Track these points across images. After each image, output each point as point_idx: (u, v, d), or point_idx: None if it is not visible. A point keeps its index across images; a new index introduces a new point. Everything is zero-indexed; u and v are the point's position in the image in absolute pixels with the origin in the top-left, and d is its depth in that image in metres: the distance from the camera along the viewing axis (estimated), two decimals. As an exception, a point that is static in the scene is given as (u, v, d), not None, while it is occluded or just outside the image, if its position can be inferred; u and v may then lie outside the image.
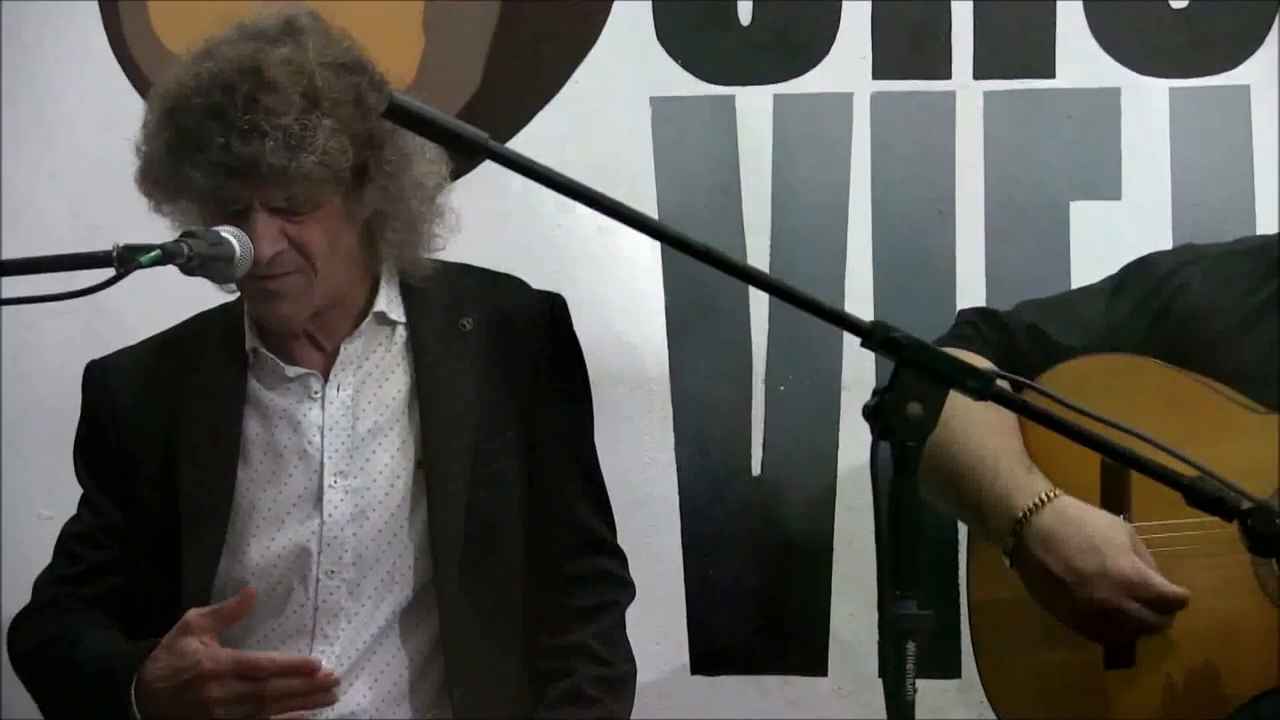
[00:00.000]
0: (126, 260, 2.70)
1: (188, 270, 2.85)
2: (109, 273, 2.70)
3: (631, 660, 3.20)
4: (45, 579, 3.19)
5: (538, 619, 3.15)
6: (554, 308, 3.23)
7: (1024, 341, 3.05)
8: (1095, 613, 2.80)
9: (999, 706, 3.00)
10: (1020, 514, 2.85)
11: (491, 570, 3.11)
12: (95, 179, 3.78)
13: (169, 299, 3.29)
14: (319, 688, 2.88)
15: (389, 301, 3.17)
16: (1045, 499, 2.83)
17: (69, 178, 3.88)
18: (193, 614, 2.90)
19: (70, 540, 3.20)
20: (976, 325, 3.13)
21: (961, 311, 3.22)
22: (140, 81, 3.83)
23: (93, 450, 3.22)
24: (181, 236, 2.86)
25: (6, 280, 2.76)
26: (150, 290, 3.16)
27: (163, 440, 3.14)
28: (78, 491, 3.24)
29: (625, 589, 3.24)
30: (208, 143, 2.95)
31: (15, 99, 3.95)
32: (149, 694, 2.92)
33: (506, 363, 3.16)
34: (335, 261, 3.08)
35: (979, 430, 2.81)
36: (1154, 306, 3.02)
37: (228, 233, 2.90)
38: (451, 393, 3.14)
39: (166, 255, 2.78)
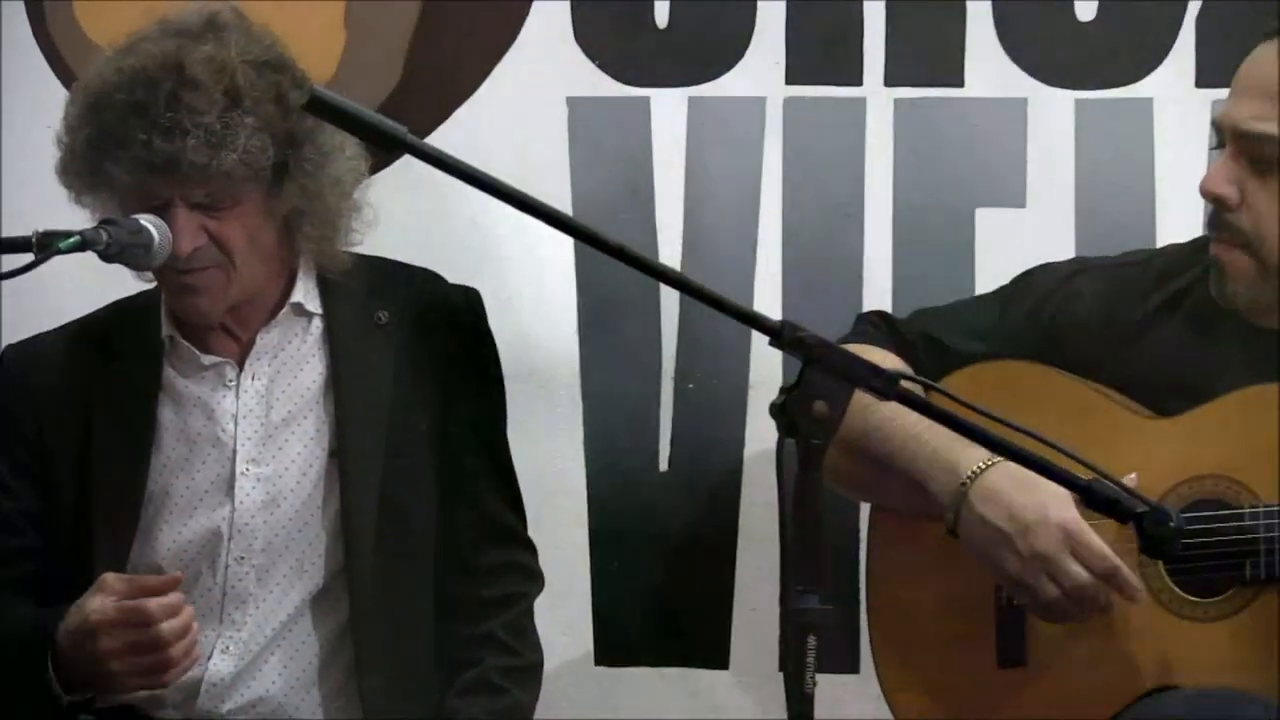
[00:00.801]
0: (45, 245, 2.71)
1: (106, 257, 2.86)
2: (28, 257, 2.69)
3: (539, 650, 3.21)
4: None
5: (448, 608, 3.15)
6: (469, 302, 3.24)
7: (921, 350, 3.06)
8: (1036, 565, 2.78)
9: (896, 704, 3.01)
10: (966, 476, 2.84)
11: (403, 559, 3.11)
12: (18, 167, 3.74)
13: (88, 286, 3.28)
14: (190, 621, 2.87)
15: (306, 293, 3.17)
16: (989, 463, 2.83)
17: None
18: (109, 575, 2.89)
19: (-16, 526, 3.18)
20: (877, 325, 3.13)
21: (861, 315, 3.23)
22: (64, 72, 3.80)
23: (7, 435, 3.19)
24: (101, 224, 2.87)
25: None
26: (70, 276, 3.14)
27: (78, 425, 3.13)
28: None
29: (534, 580, 3.25)
30: (129, 139, 2.94)
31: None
32: (61, 656, 2.91)
33: (421, 355, 3.16)
34: (254, 256, 3.07)
35: (908, 413, 2.81)
36: (1045, 316, 3.03)
37: (147, 221, 2.91)
38: (366, 383, 3.14)
39: (85, 241, 2.80)
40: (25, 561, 3.13)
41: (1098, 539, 2.78)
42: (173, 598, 2.86)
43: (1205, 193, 2.84)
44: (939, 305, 3.19)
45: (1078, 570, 2.77)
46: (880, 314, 3.18)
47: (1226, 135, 2.83)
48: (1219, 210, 2.82)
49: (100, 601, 2.86)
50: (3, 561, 3.14)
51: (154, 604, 2.84)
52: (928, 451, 2.89)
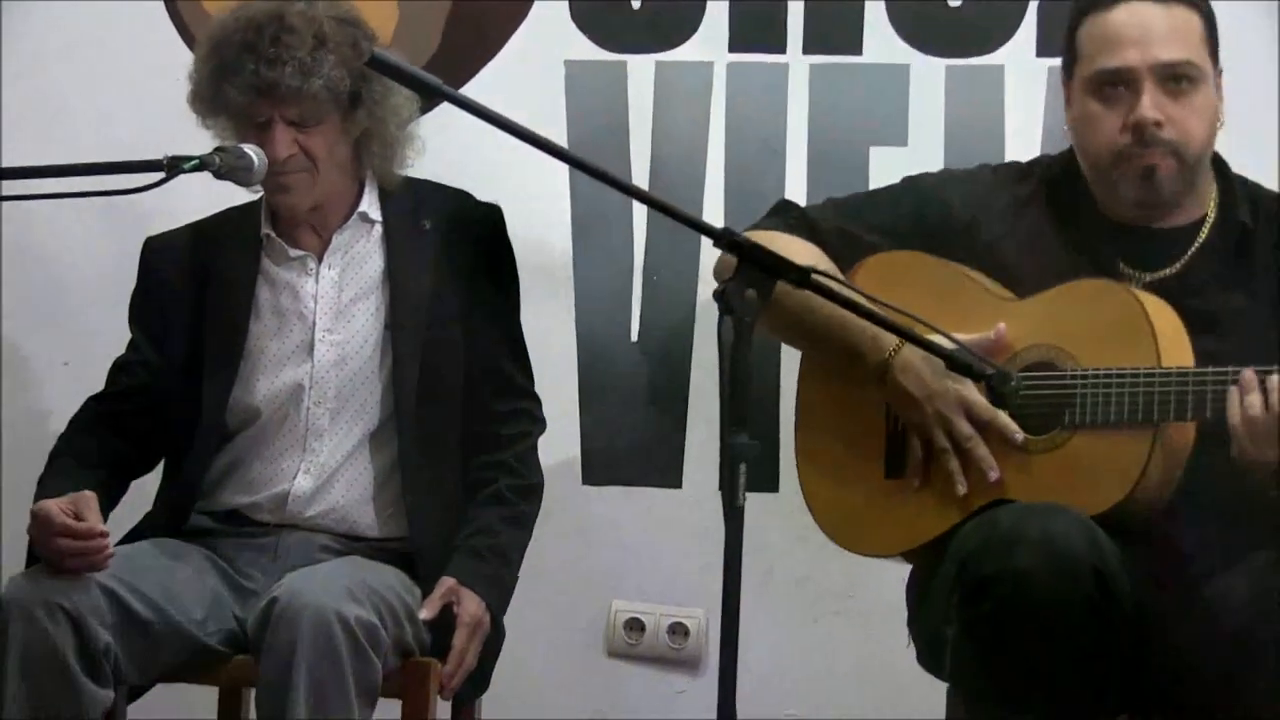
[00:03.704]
0: (173, 167, 2.72)
1: (219, 175, 2.88)
2: (159, 175, 2.71)
3: (540, 475, 3.22)
4: (90, 398, 3.20)
5: (471, 444, 3.16)
6: (492, 215, 3.23)
7: (835, 241, 3.00)
8: (937, 420, 2.80)
9: (813, 506, 3.00)
10: (889, 352, 2.83)
11: (438, 407, 3.11)
12: (149, 110, 3.74)
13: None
14: (93, 550, 2.80)
15: (370, 204, 3.17)
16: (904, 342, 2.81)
17: (129, 108, 3.84)
18: (88, 493, 2.86)
19: (114, 370, 3.21)
20: (799, 221, 3.05)
21: (782, 203, 3.14)
22: (188, 39, 3.80)
23: (140, 305, 3.22)
24: (215, 150, 2.88)
25: (81, 179, 2.75)
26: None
27: (194, 300, 3.14)
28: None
29: (538, 423, 3.25)
30: (242, 68, 2.97)
31: (90, 50, 3.91)
32: None
33: (455, 255, 3.16)
34: (332, 166, 3.08)
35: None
36: (927, 217, 2.99)
37: (249, 149, 2.91)
38: (413, 275, 3.13)
39: (203, 164, 2.80)
40: (135, 398, 3.15)
41: (985, 402, 2.79)
42: (77, 526, 2.79)
43: (1144, 121, 2.76)
44: (843, 196, 3.12)
45: (966, 427, 2.79)
46: (799, 212, 3.09)
47: (1141, 75, 2.76)
48: (1149, 130, 2.76)
49: (47, 501, 2.84)
50: (118, 397, 3.17)
51: (57, 521, 2.80)
52: (857, 330, 2.84)
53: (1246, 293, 2.80)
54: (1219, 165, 2.91)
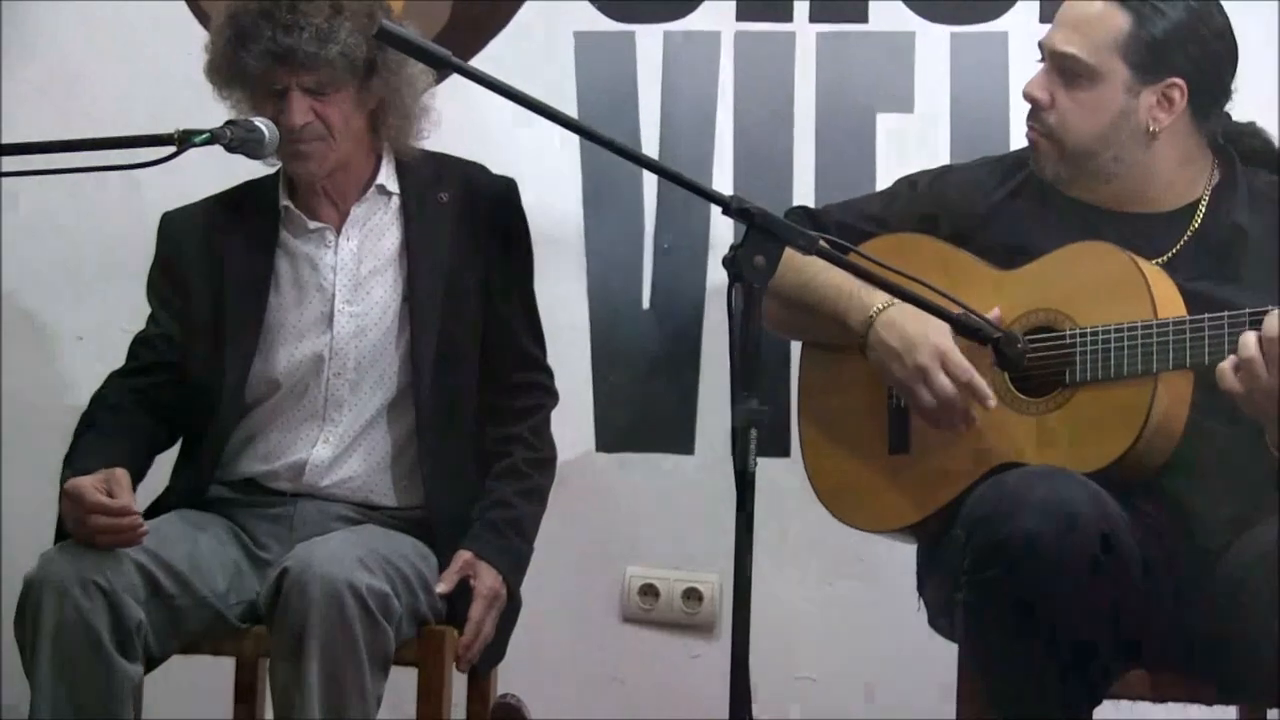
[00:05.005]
0: (184, 141, 2.71)
1: (230, 149, 2.86)
2: (171, 149, 2.69)
3: (554, 448, 3.20)
4: (113, 373, 3.18)
5: (486, 416, 3.14)
6: (507, 188, 3.21)
7: (834, 233, 3.00)
8: (917, 375, 2.78)
9: (815, 478, 3.01)
10: (873, 312, 2.84)
11: (454, 379, 3.10)
12: (164, 85, 3.73)
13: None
14: (127, 528, 2.79)
15: (388, 176, 3.15)
16: (889, 303, 2.83)
17: (145, 83, 3.83)
18: (120, 470, 2.85)
19: (135, 344, 3.19)
20: (804, 218, 3.09)
21: (788, 210, 3.17)
22: (204, 20, 3.78)
23: (159, 278, 3.20)
24: (226, 124, 2.86)
25: (95, 153, 2.73)
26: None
27: (214, 271, 3.12)
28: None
29: (551, 395, 3.23)
30: (259, 35, 2.95)
31: (105, 27, 3.89)
32: None
33: (471, 227, 3.14)
34: (348, 135, 3.06)
35: (829, 272, 2.82)
36: (922, 207, 3.00)
37: (260, 122, 2.90)
38: (430, 247, 3.11)
39: (214, 138, 2.78)
40: (158, 373, 3.13)
41: (962, 357, 2.78)
42: (111, 503, 2.78)
43: (1026, 95, 2.85)
44: (843, 201, 3.14)
45: (945, 381, 2.77)
46: (802, 208, 3.13)
47: (1046, 54, 2.84)
48: (1035, 108, 2.85)
49: (81, 478, 2.83)
50: (140, 371, 3.15)
51: (90, 498, 2.79)
52: (845, 297, 2.87)
53: (1238, 286, 2.77)
54: (1224, 156, 2.88)
